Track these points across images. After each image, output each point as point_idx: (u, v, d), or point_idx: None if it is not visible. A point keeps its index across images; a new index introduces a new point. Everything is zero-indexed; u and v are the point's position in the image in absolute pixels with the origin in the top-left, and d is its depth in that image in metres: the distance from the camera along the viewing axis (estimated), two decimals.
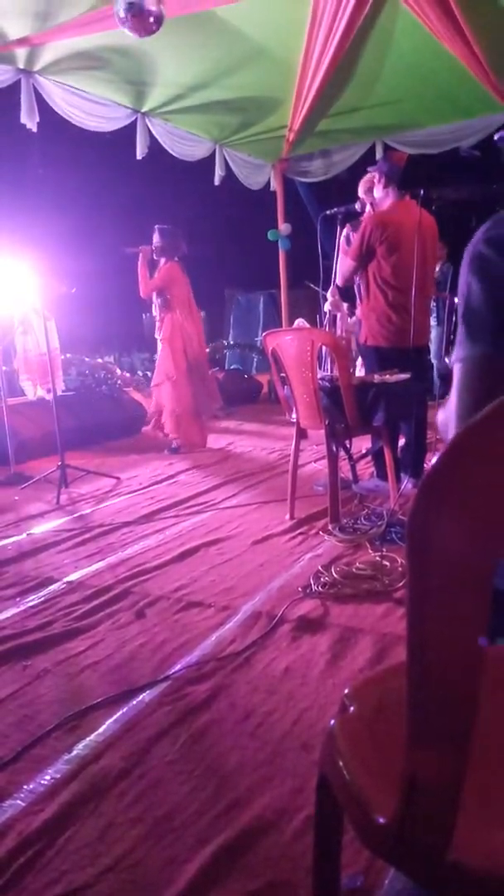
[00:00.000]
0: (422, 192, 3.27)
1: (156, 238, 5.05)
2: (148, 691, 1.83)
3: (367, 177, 3.64)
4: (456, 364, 1.04)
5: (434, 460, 0.65)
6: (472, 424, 0.64)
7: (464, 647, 0.68)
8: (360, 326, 3.68)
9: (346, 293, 3.85)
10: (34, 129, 4.57)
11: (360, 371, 3.69)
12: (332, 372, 3.38)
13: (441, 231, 3.67)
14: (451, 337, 6.48)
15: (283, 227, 7.27)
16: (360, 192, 3.66)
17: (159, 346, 5.21)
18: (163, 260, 5.05)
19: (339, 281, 3.71)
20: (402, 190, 3.48)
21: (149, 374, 7.56)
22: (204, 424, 5.43)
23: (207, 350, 7.13)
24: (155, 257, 5.06)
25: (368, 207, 3.60)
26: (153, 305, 5.18)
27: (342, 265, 3.60)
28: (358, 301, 3.67)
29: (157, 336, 5.24)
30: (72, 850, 1.29)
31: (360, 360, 3.80)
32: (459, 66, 4.66)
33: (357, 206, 3.67)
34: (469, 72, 4.72)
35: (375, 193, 3.54)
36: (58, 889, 1.20)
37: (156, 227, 5.08)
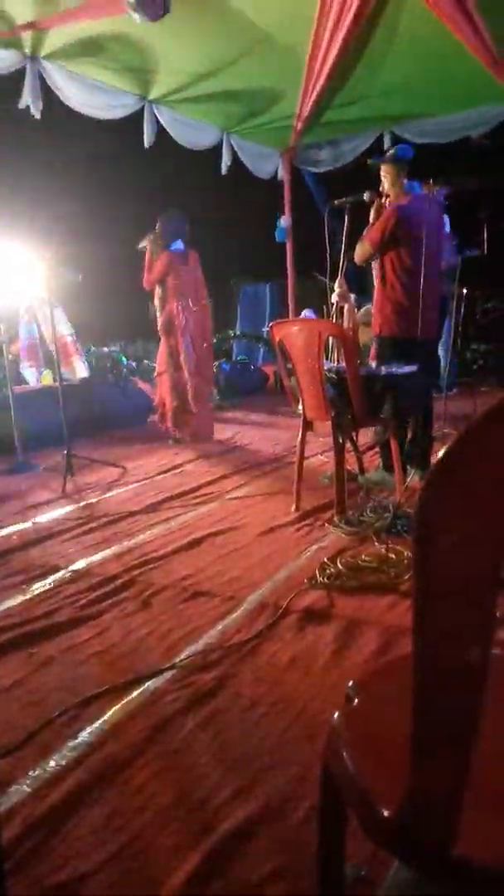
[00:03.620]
0: (432, 182, 3.24)
1: (158, 228, 5.02)
2: (153, 680, 1.84)
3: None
4: None
5: (441, 453, 0.64)
6: (479, 418, 0.64)
7: (471, 640, 0.68)
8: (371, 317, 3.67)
9: (350, 285, 3.83)
10: (38, 116, 4.54)
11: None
12: (338, 363, 3.37)
13: (450, 221, 3.66)
14: (459, 329, 6.42)
15: (283, 220, 7.22)
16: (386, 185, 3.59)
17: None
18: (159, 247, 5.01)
19: (356, 260, 3.72)
20: (413, 181, 3.46)
21: (153, 365, 7.52)
22: (210, 414, 5.42)
23: (214, 340, 7.08)
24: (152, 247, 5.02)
25: (385, 199, 3.57)
26: (154, 296, 5.15)
27: (360, 249, 3.60)
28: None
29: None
30: (77, 837, 1.30)
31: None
32: (470, 53, 4.60)
33: (366, 196, 3.64)
34: (478, 60, 4.65)
35: (391, 187, 3.51)
36: (63, 875, 1.21)
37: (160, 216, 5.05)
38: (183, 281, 5.01)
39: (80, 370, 5.41)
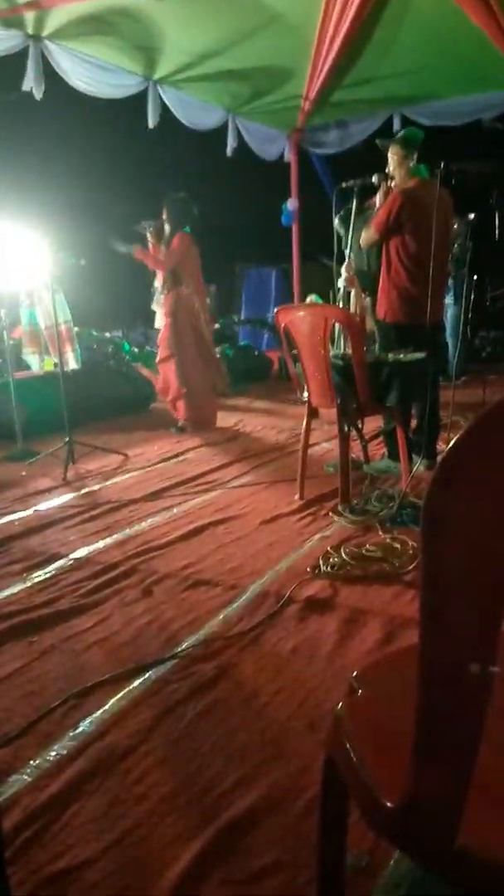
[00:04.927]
0: (442, 165, 3.17)
1: (164, 211, 4.91)
2: (154, 669, 1.83)
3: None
4: None
5: (452, 442, 0.62)
6: (492, 407, 0.62)
7: (479, 629, 0.66)
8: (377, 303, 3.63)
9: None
10: (39, 97, 4.49)
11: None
12: (344, 350, 3.34)
13: (461, 206, 3.61)
14: (469, 315, 6.37)
15: (289, 203, 7.14)
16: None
17: (160, 319, 5.07)
18: (168, 230, 4.89)
19: (361, 245, 3.68)
20: (420, 164, 3.40)
21: (155, 350, 7.47)
22: (214, 402, 5.37)
23: (217, 326, 6.99)
24: (167, 229, 4.90)
25: (392, 182, 3.52)
26: (156, 277, 5.03)
27: (366, 234, 3.56)
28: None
29: (154, 308, 5.11)
30: (77, 826, 1.29)
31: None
32: (482, 35, 4.51)
33: (374, 179, 3.58)
34: (492, 42, 4.57)
35: (396, 169, 3.45)
36: (63, 863, 1.21)
37: (165, 200, 4.94)
38: (194, 264, 4.95)
39: (72, 362, 5.33)
